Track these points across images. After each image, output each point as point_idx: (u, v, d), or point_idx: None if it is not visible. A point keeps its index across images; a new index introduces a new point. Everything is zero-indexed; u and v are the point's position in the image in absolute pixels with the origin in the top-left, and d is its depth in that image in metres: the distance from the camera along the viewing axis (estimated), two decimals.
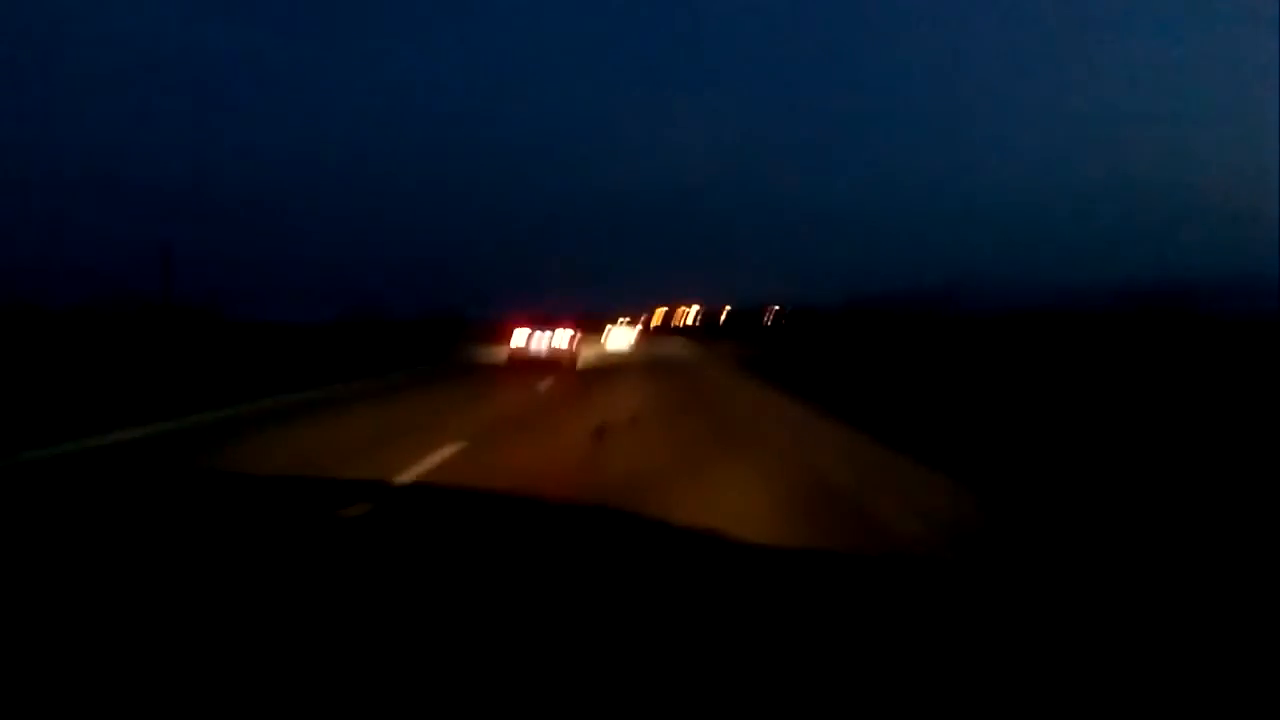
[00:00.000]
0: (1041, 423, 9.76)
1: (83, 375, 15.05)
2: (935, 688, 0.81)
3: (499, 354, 23.27)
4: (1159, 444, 8.00)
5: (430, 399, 12.84)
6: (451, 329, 44.93)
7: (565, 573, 1.13)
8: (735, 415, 11.39)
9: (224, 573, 1.05)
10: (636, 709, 0.76)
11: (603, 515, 1.48)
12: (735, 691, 0.80)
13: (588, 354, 26.01)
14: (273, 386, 13.83)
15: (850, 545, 4.20)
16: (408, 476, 5.98)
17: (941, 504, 5.36)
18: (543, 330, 21.77)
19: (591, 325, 46.31)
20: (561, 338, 21.69)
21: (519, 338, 21.75)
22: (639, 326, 56.67)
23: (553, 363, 20.76)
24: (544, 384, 15.40)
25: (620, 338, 38.79)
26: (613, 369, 21.93)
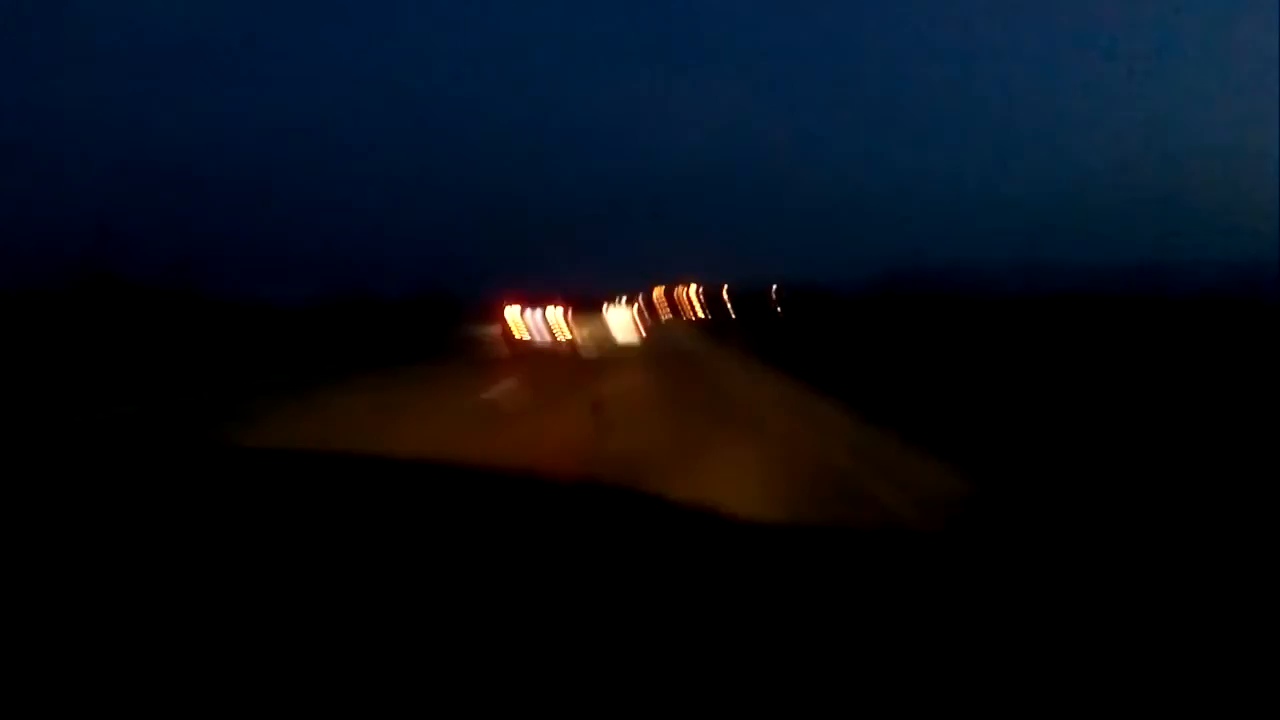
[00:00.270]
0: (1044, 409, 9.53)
1: None
2: (923, 651, 0.83)
3: (494, 339, 22.80)
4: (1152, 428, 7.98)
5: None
6: (445, 313, 44.44)
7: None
8: None
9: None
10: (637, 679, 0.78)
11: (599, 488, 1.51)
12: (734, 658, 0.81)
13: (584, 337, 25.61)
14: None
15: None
16: None
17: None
18: (535, 309, 21.54)
19: (587, 306, 45.89)
20: (555, 317, 21.45)
21: (511, 317, 21.57)
22: (636, 305, 55.30)
23: (549, 349, 20.51)
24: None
25: (621, 324, 36.67)
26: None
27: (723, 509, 1.28)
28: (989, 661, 0.82)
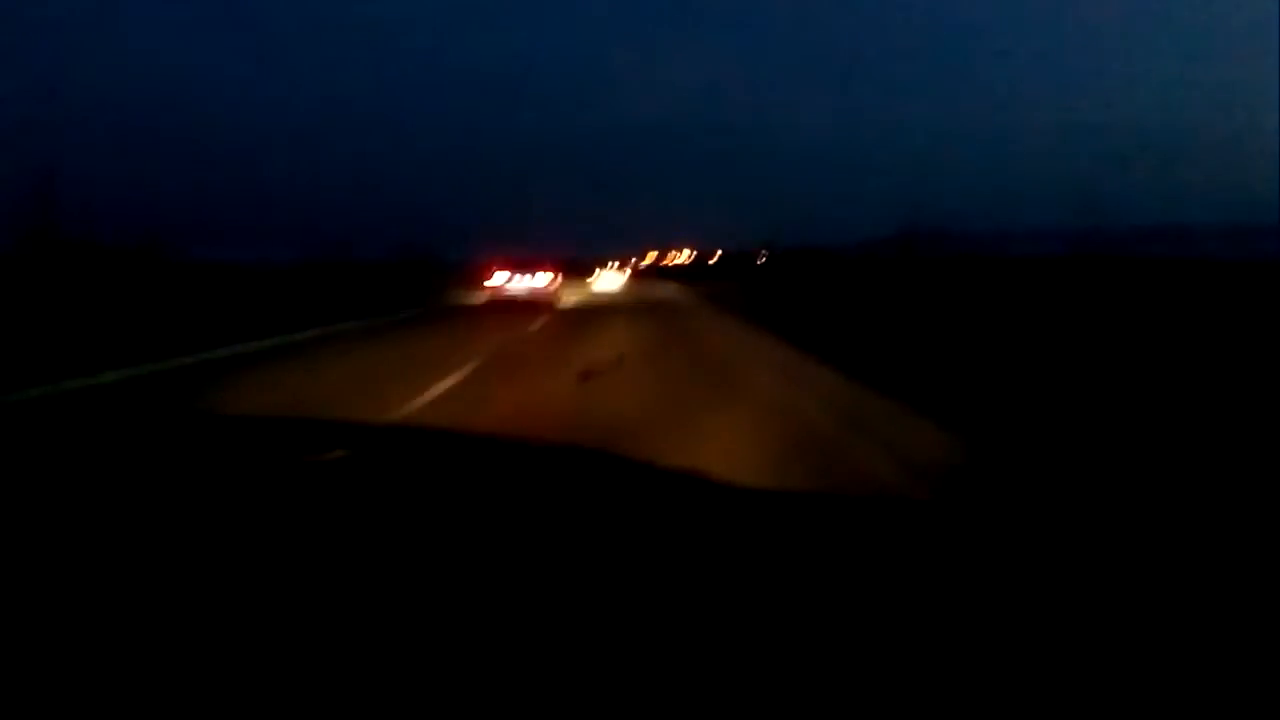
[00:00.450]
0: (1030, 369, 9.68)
1: None
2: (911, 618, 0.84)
3: (478, 297, 22.86)
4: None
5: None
6: (426, 272, 43.50)
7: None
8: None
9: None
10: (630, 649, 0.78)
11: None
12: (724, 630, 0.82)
13: (572, 298, 25.77)
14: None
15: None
16: None
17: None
18: (523, 274, 21.38)
19: (577, 270, 45.80)
20: (541, 281, 21.50)
21: (497, 281, 21.38)
22: (628, 271, 57.30)
23: (532, 304, 20.69)
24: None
25: (609, 280, 40.74)
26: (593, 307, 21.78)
27: (711, 475, 1.28)
28: (977, 634, 0.82)
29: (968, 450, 5.44)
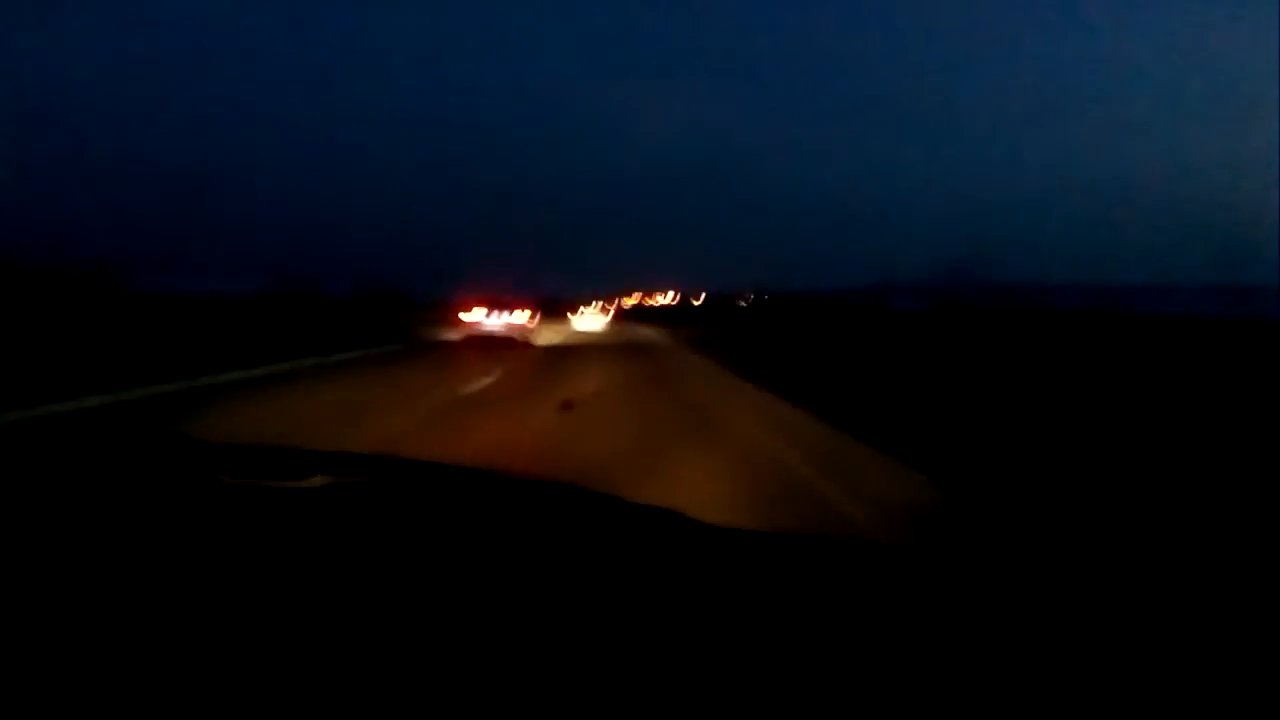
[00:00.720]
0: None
1: None
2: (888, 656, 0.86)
3: (454, 333, 22.76)
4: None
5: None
6: (398, 308, 43.02)
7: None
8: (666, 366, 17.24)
9: None
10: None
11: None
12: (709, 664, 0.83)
13: (553, 337, 25.73)
14: None
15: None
16: None
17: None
18: (500, 311, 21.40)
19: (558, 309, 45.80)
20: (519, 319, 21.55)
21: (474, 317, 21.37)
22: (610, 312, 57.65)
23: (509, 341, 20.80)
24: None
25: (589, 321, 40.95)
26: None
27: (686, 513, 1.30)
28: (954, 675, 0.83)
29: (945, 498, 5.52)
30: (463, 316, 21.87)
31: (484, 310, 21.62)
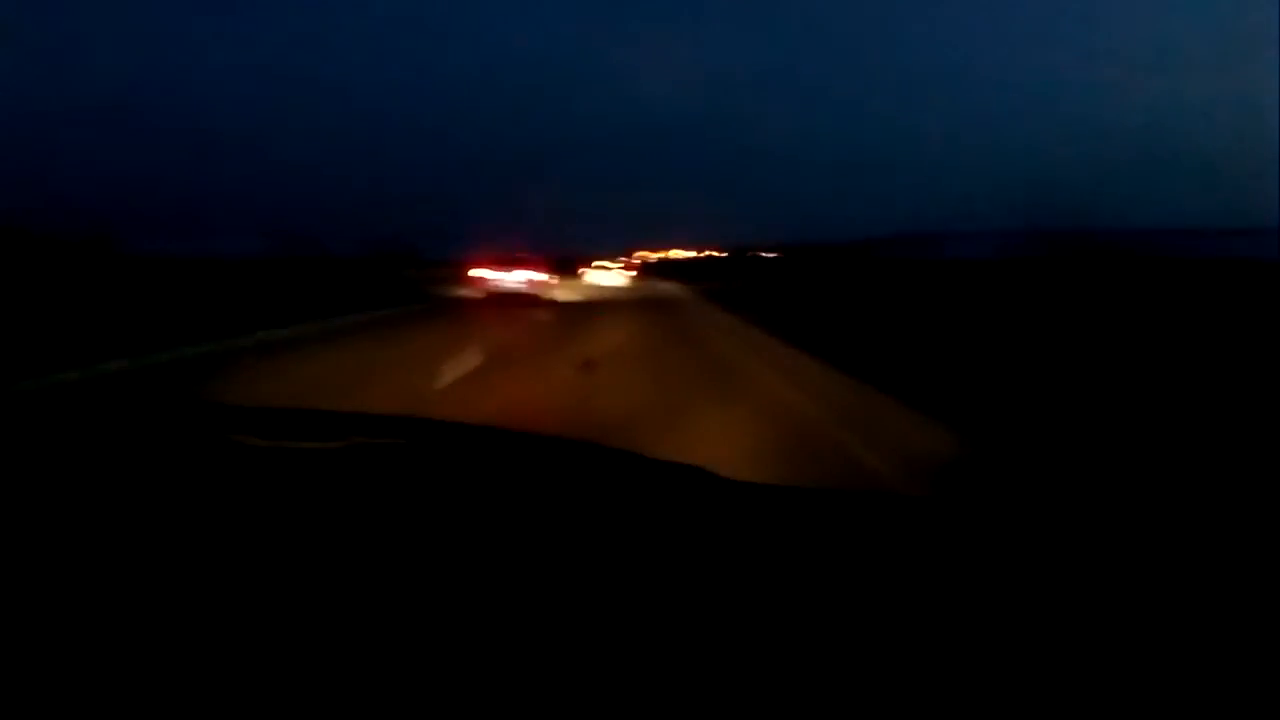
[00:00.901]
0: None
1: None
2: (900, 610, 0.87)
3: (469, 292, 22.80)
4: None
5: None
6: (411, 267, 42.89)
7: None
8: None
9: None
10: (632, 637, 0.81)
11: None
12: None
13: (571, 294, 25.94)
14: None
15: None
16: None
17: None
18: (515, 269, 21.40)
19: (574, 267, 45.71)
20: (534, 277, 21.63)
21: (487, 275, 21.42)
22: (630, 268, 57.87)
23: (529, 298, 20.94)
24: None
25: (609, 277, 41.24)
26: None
27: (712, 469, 1.30)
28: (976, 630, 0.84)
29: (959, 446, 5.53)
30: (478, 274, 21.88)
31: (501, 268, 21.63)
